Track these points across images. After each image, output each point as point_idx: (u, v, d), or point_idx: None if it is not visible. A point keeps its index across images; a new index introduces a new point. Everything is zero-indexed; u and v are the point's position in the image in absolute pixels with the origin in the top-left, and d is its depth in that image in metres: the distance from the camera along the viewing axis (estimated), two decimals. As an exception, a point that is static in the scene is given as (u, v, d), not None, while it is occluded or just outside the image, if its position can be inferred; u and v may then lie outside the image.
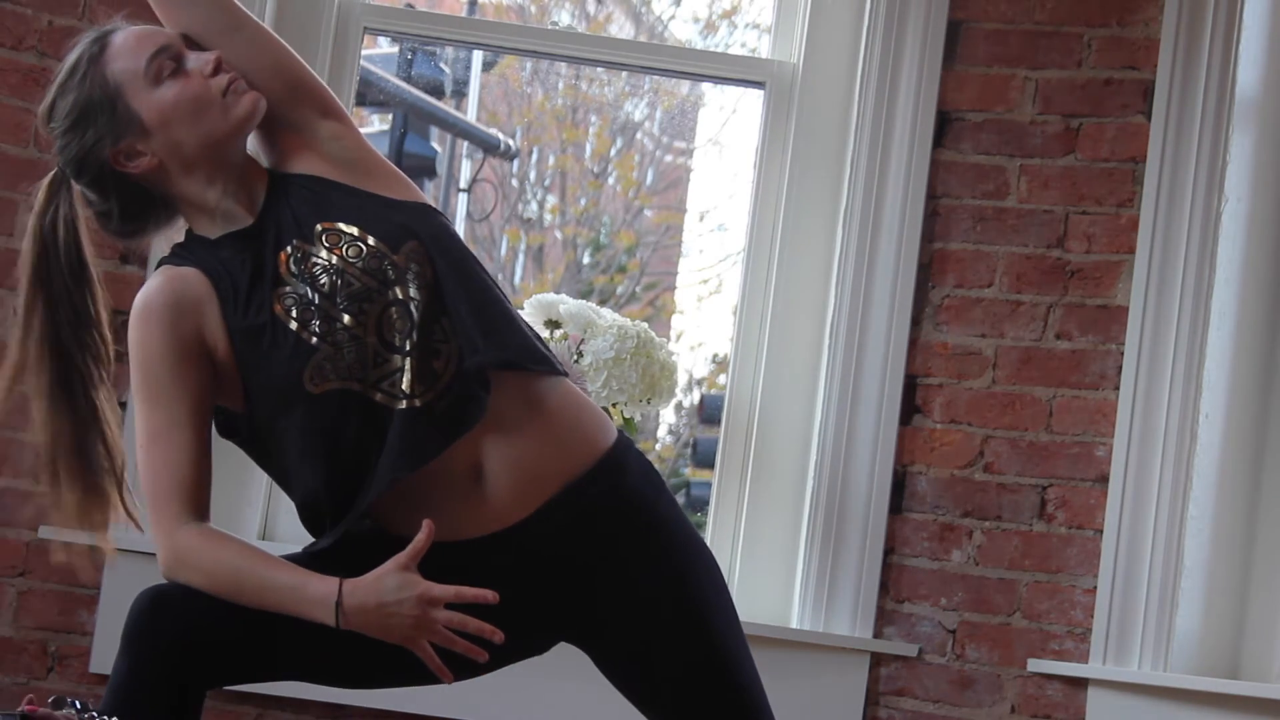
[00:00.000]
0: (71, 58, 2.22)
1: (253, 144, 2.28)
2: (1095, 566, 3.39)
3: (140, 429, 2.18)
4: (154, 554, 3.37)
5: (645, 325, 3.52)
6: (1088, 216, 3.49)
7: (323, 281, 2.15)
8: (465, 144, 11.84)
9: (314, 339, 2.13)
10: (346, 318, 2.13)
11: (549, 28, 4.07)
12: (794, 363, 3.54)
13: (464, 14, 10.91)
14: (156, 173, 2.22)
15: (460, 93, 11.46)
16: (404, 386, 2.12)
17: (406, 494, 2.15)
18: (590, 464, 2.20)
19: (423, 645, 2.11)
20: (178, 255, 2.23)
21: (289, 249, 2.17)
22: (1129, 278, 3.44)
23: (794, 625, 3.45)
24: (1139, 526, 3.36)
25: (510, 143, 12.22)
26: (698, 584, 2.24)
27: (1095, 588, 3.38)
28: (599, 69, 4.22)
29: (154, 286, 2.20)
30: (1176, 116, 3.41)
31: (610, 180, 10.41)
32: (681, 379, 5.43)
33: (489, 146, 11.74)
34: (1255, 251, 3.43)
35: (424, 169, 10.84)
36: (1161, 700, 3.29)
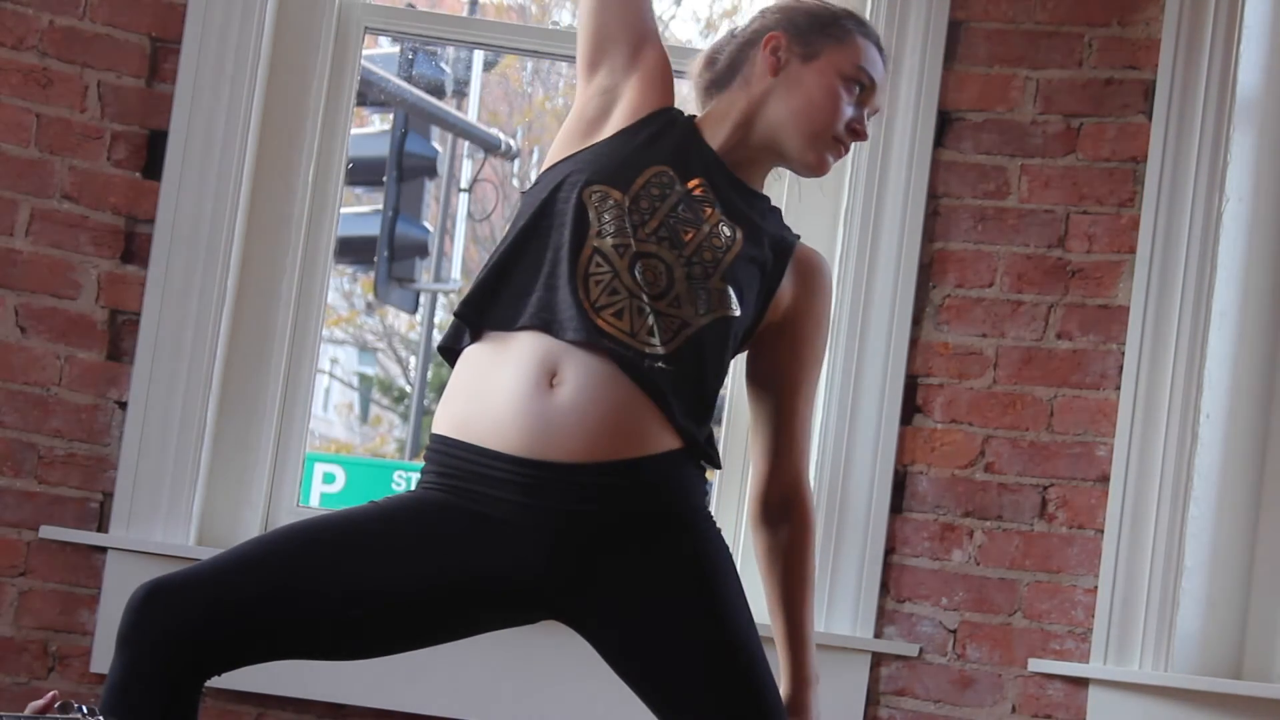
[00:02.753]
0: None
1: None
2: (1096, 566, 3.39)
3: None
4: (154, 554, 3.38)
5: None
6: (1089, 216, 3.49)
7: (686, 211, 2.29)
8: (466, 144, 11.85)
9: (632, 190, 2.27)
10: (655, 223, 2.26)
11: (550, 27, 4.06)
12: (795, 362, 3.53)
13: (465, 14, 10.93)
14: (754, 78, 2.41)
15: (461, 92, 11.48)
16: (598, 289, 2.22)
17: (500, 345, 2.24)
18: (649, 454, 2.23)
19: None
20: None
21: (708, 194, 2.33)
22: (1130, 277, 3.44)
23: (795, 625, 3.45)
24: (1140, 526, 3.36)
25: (511, 142, 12.23)
26: (720, 586, 2.26)
27: (1096, 587, 3.38)
28: (600, 69, 4.21)
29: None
30: (1177, 116, 3.41)
31: (611, 180, 10.40)
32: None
33: (490, 146, 11.75)
34: (1256, 251, 3.43)
35: (425, 169, 10.86)
36: (1162, 700, 3.29)
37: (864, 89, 2.37)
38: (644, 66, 2.40)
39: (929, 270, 3.52)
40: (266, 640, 2.19)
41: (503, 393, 2.22)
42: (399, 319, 13.79)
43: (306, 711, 3.43)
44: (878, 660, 3.45)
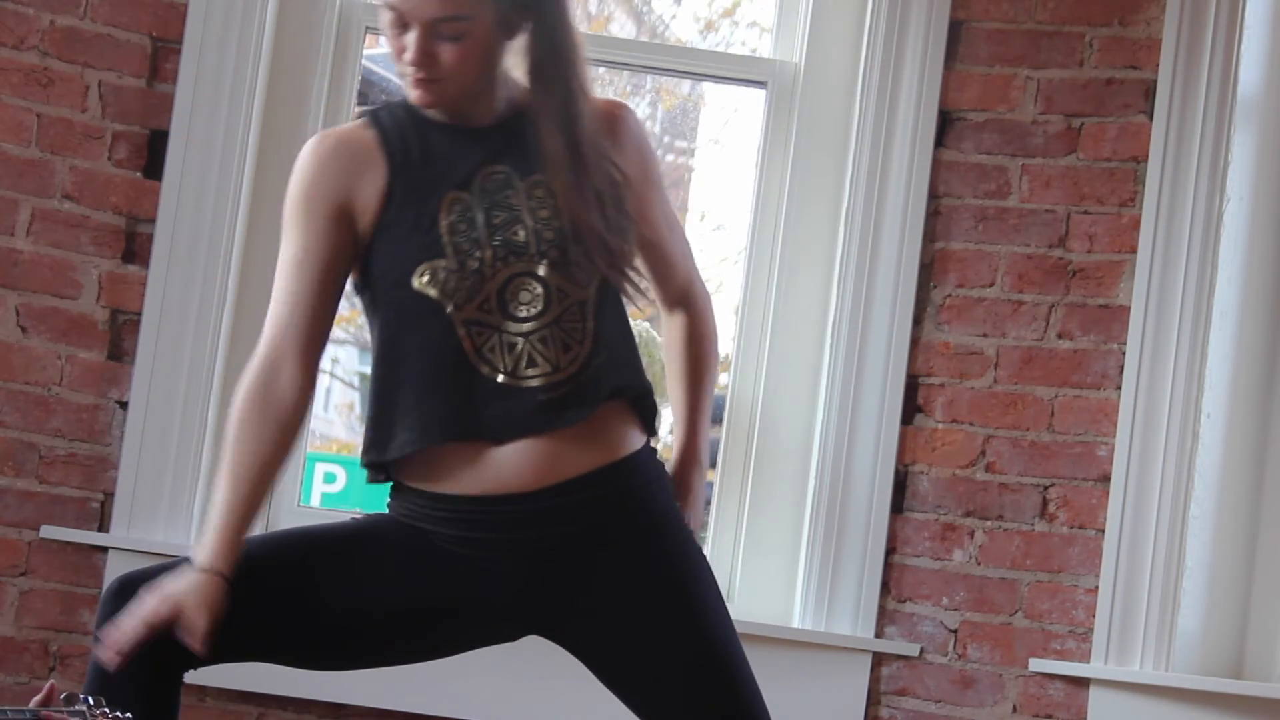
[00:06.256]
0: None
1: None
2: (1097, 566, 3.39)
3: (280, 256, 2.27)
4: (155, 554, 3.38)
5: (647, 324, 3.52)
6: (1089, 216, 3.49)
7: (498, 215, 2.20)
8: (467, 144, 11.85)
9: (450, 248, 2.19)
10: (489, 253, 2.19)
11: (550, 27, 4.06)
12: (795, 362, 3.54)
13: (465, 14, 10.91)
14: None
15: (462, 92, 11.48)
16: (492, 353, 2.18)
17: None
18: (608, 462, 2.22)
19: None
20: (380, 116, 2.30)
21: (498, 169, 2.23)
22: (1130, 277, 3.44)
23: (795, 625, 3.45)
24: (1141, 526, 3.36)
25: (512, 142, 12.23)
26: (693, 585, 2.24)
27: (1097, 587, 3.38)
28: (600, 68, 4.22)
29: (336, 135, 2.30)
30: (1178, 116, 3.41)
31: (612, 180, 10.39)
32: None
33: (490, 146, 11.75)
34: (1257, 251, 3.43)
35: (425, 169, 10.85)
36: (1163, 700, 3.29)
37: (395, 15, 2.20)
38: (341, 237, 2.26)
39: (930, 270, 3.52)
40: (237, 640, 2.19)
41: (451, 455, 2.20)
42: (400, 319, 13.76)
43: (306, 711, 3.43)
44: (878, 660, 3.45)
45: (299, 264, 2.24)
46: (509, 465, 2.17)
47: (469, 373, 2.17)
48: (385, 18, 2.21)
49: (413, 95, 2.24)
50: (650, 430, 2.29)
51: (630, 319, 2.28)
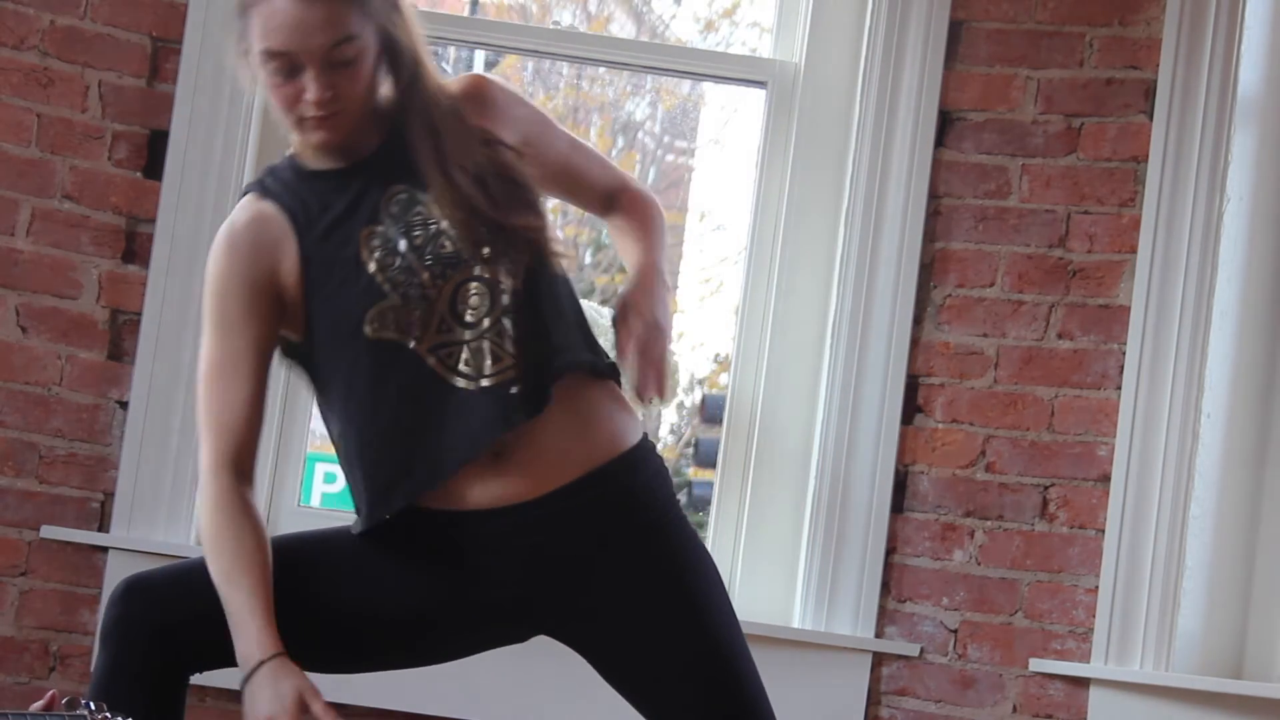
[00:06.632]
0: None
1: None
2: (1097, 566, 3.39)
3: (204, 357, 2.23)
4: (155, 554, 3.38)
5: (646, 324, 3.50)
6: (1089, 216, 3.49)
7: (418, 234, 2.17)
8: (467, 144, 11.83)
9: (387, 285, 2.15)
10: (426, 275, 2.15)
11: (550, 27, 4.06)
12: (796, 362, 3.54)
13: (466, 13, 10.90)
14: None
15: (462, 92, 11.47)
16: (466, 365, 2.15)
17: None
18: (607, 460, 2.22)
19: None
20: (268, 185, 2.25)
21: (398, 190, 2.19)
22: (1131, 277, 3.44)
23: (796, 625, 3.45)
24: (1141, 526, 3.36)
25: (512, 142, 12.22)
26: (695, 584, 2.24)
27: (1097, 587, 3.38)
28: (600, 69, 4.22)
29: (239, 221, 2.23)
30: (1178, 116, 3.41)
31: (612, 180, 10.38)
32: (683, 378, 5.38)
33: (490, 146, 11.74)
34: (1257, 251, 3.43)
35: (425, 169, 10.85)
36: (1163, 700, 3.29)
37: (283, 60, 2.14)
38: (272, 321, 2.23)
39: (930, 270, 3.52)
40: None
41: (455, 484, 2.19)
42: (400, 319, 13.76)
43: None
44: (879, 660, 3.45)
45: (233, 367, 2.20)
46: (510, 476, 2.17)
47: (452, 393, 2.15)
48: (268, 68, 2.15)
49: (315, 138, 2.18)
50: (616, 380, 2.25)
51: (565, 292, 2.22)
